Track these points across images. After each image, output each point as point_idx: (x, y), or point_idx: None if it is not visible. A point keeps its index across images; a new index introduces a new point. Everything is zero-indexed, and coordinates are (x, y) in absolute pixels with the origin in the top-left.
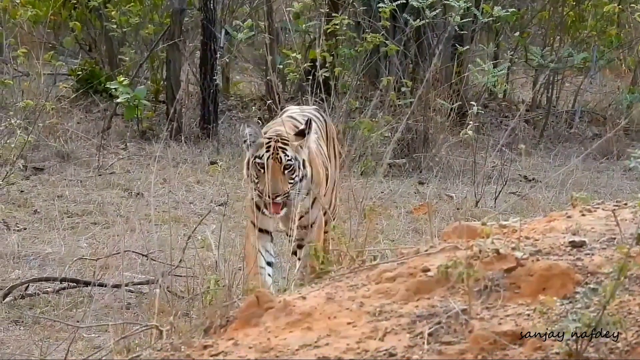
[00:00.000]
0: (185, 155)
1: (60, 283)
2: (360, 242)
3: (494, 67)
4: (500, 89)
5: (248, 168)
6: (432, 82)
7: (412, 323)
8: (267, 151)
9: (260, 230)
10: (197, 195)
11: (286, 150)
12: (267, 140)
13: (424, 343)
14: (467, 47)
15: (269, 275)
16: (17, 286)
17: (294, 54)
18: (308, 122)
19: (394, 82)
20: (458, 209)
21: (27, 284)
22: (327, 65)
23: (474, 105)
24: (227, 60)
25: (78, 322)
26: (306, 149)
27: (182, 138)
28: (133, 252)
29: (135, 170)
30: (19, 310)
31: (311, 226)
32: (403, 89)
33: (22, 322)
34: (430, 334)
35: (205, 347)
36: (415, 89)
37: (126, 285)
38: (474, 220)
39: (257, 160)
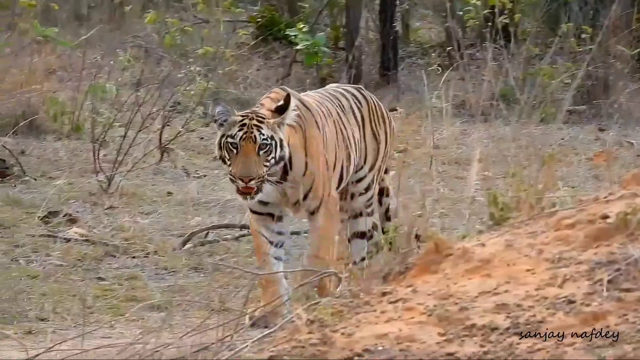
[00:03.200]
0: None
1: (240, 230)
2: (540, 189)
3: None
4: None
5: (220, 148)
6: (612, 28)
7: (591, 270)
8: (240, 130)
9: (259, 213)
10: None
11: (261, 128)
12: (241, 118)
13: (603, 290)
14: None
15: (277, 258)
16: (196, 233)
17: (474, 1)
18: (287, 97)
19: (573, 29)
20: (638, 155)
21: (206, 231)
22: (506, 11)
23: None
24: (407, 6)
25: (257, 269)
26: (285, 127)
27: (362, 84)
28: None
29: None
30: (199, 257)
31: (313, 213)
32: (583, 36)
33: (202, 269)
34: (609, 281)
35: (384, 293)
36: (595, 36)
37: (305, 232)
38: None
39: (229, 139)
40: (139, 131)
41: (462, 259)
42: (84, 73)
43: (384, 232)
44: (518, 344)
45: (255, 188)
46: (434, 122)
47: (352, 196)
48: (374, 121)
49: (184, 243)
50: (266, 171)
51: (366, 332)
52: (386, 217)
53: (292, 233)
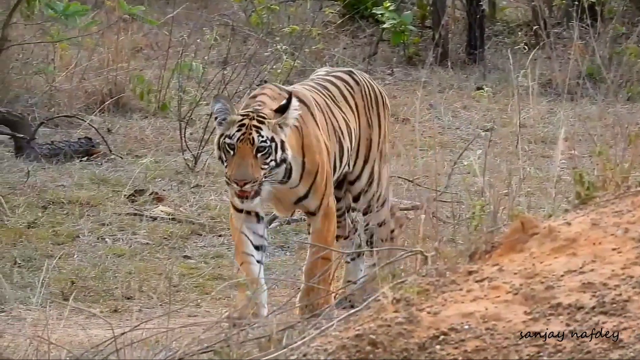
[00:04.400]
0: (451, 80)
1: None
2: (626, 167)
3: None
4: None
5: (218, 148)
6: None
7: None
8: (238, 130)
9: (244, 211)
10: (463, 121)
11: (261, 129)
12: (241, 118)
13: None
14: None
15: (258, 261)
16: None
17: None
18: (289, 97)
19: None
20: None
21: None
22: None
23: None
24: None
25: (342, 247)
26: (288, 128)
27: (448, 63)
28: (399, 177)
29: (401, 95)
30: (285, 235)
31: (313, 214)
32: None
33: (288, 247)
34: None
35: (470, 272)
36: None
37: (392, 210)
38: None
39: (227, 140)
40: None
41: (548, 238)
42: (170, 51)
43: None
44: (604, 322)
45: (253, 191)
46: (521, 100)
47: (355, 199)
48: (367, 106)
49: (270, 221)
50: (264, 174)
51: (452, 310)
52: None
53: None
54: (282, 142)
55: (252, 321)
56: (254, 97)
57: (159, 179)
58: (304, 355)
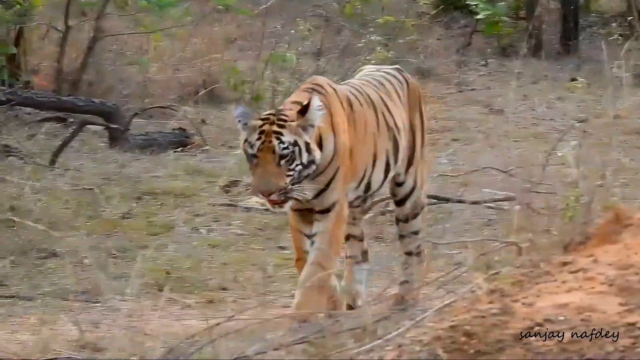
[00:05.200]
0: (545, 71)
1: None
2: None
3: None
4: None
5: (244, 151)
6: None
7: None
8: (258, 139)
9: (300, 210)
10: (557, 112)
11: (281, 135)
12: (261, 123)
13: None
14: None
15: None
16: (378, 202)
17: None
18: (311, 98)
19: None
20: None
21: (388, 201)
22: None
23: None
24: None
25: (438, 238)
26: (314, 128)
27: (542, 54)
28: (493, 168)
29: (495, 86)
30: (380, 226)
31: (326, 211)
32: None
33: (383, 238)
34: None
35: (564, 263)
36: None
37: (486, 201)
38: None
39: (249, 149)
40: None
41: None
42: (264, 42)
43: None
44: None
45: (282, 199)
46: (615, 92)
47: (401, 202)
48: (412, 106)
49: (365, 212)
50: (290, 181)
51: (547, 301)
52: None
53: (472, 203)
54: (307, 143)
55: (347, 312)
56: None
57: None
58: (399, 346)
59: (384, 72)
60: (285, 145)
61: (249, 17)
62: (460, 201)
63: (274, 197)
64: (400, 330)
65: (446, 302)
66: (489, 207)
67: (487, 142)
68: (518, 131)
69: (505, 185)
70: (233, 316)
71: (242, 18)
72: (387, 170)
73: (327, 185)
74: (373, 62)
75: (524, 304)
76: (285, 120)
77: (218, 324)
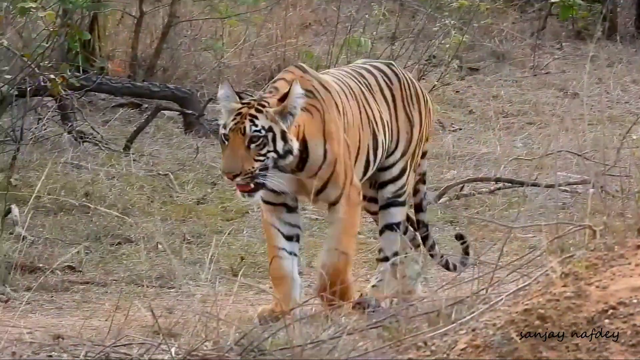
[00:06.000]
0: (621, 54)
1: (495, 183)
2: None
3: None
4: None
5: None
6: None
7: None
8: (232, 120)
9: (272, 203)
10: (632, 95)
11: (256, 119)
12: (240, 107)
13: None
14: None
15: (291, 253)
16: (452, 186)
17: None
18: (292, 85)
19: None
20: None
21: (462, 184)
22: None
23: None
24: None
25: (512, 222)
26: (293, 117)
27: (617, 37)
28: (567, 151)
29: (570, 70)
30: (454, 210)
31: (333, 204)
32: None
33: (457, 222)
34: None
35: (638, 246)
36: None
37: (560, 185)
38: None
39: (222, 130)
40: None
41: None
42: (338, 27)
43: (418, 226)
44: None
45: (252, 186)
46: None
47: (382, 185)
48: (407, 100)
49: (440, 196)
50: (259, 167)
51: (621, 285)
52: (421, 208)
53: (547, 186)
54: (283, 132)
55: (421, 296)
56: (274, 81)
57: None
58: (473, 330)
59: (371, 65)
60: (257, 129)
61: (324, 1)
62: (534, 185)
63: (238, 180)
64: (474, 314)
65: (520, 286)
66: (564, 191)
67: (561, 125)
68: (593, 114)
69: (579, 168)
70: (307, 301)
71: (316, 3)
72: (367, 166)
73: (325, 184)
74: (448, 46)
75: (598, 287)
76: (263, 106)
77: (292, 309)
